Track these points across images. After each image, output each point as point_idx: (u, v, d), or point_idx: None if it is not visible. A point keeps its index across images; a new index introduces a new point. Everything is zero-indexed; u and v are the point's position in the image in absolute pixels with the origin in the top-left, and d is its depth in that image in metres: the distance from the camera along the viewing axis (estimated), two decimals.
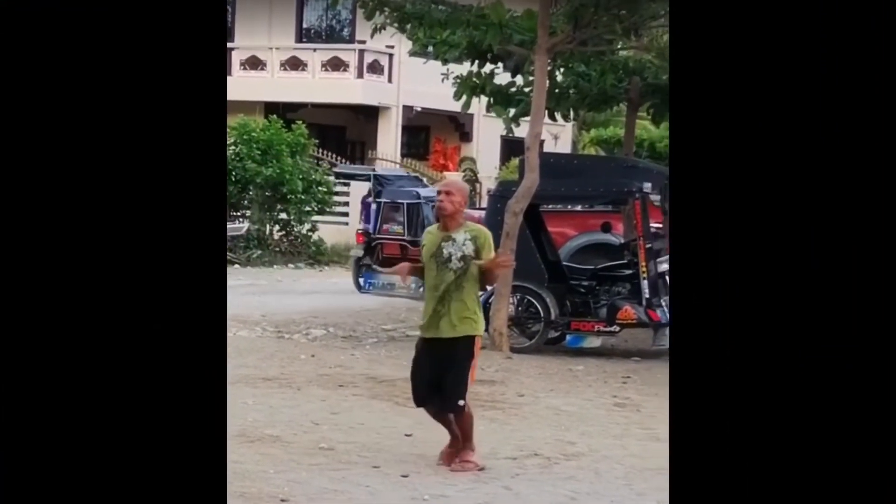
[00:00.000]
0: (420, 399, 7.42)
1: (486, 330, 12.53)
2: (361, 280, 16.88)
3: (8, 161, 3.60)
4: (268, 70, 33.85)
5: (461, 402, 7.25)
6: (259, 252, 23.53)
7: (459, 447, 7.34)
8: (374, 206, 17.80)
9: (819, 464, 3.47)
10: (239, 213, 24.65)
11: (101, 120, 3.68)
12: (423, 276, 7.48)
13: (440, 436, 7.34)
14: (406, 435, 7.85)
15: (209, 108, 3.75)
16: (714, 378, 3.53)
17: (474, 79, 15.17)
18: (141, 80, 3.68)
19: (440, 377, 7.28)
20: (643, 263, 12.73)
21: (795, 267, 3.51)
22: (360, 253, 17.26)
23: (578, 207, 17.33)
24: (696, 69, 3.58)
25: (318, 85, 33.16)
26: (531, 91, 13.88)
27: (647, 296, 12.65)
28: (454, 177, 26.96)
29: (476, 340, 7.32)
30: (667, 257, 13.19)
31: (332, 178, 25.33)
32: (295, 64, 33.95)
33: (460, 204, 7.37)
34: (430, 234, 7.47)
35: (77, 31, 3.64)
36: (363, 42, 32.23)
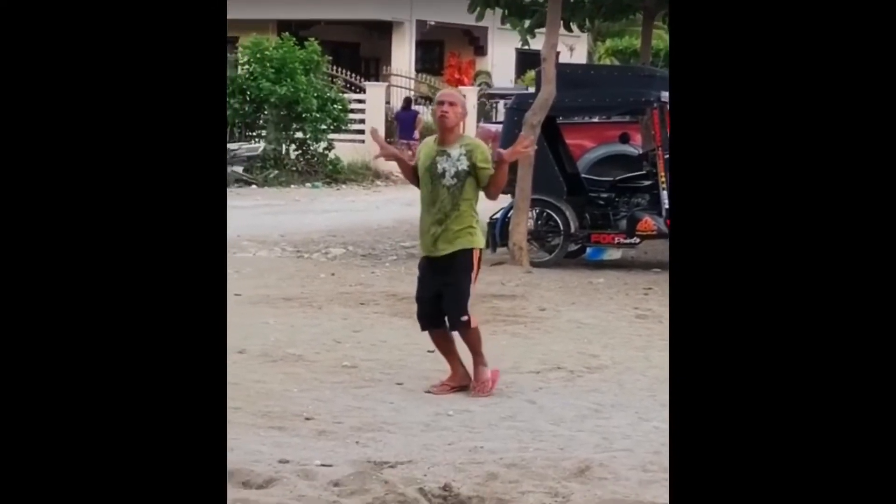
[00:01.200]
0: (426, 320, 7.19)
1: (506, 245, 12.57)
2: None
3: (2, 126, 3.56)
4: None
5: (464, 318, 7.01)
6: (276, 172, 23.49)
7: (459, 380, 7.12)
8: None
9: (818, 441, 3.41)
10: (254, 134, 24.53)
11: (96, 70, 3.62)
12: (412, 178, 7.22)
13: (463, 352, 7.31)
14: (429, 351, 7.84)
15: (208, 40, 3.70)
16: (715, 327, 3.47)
17: None
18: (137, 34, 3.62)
19: (441, 295, 7.09)
20: (662, 174, 12.64)
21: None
22: None
23: (596, 119, 17.21)
24: (697, 58, 3.50)
25: (330, 1, 32.89)
26: (546, 2, 13.72)
27: (667, 206, 12.58)
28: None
29: (474, 253, 7.05)
30: None
31: (345, 96, 25.19)
32: None
33: (461, 116, 7.13)
34: (427, 146, 7.17)
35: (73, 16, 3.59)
36: None
